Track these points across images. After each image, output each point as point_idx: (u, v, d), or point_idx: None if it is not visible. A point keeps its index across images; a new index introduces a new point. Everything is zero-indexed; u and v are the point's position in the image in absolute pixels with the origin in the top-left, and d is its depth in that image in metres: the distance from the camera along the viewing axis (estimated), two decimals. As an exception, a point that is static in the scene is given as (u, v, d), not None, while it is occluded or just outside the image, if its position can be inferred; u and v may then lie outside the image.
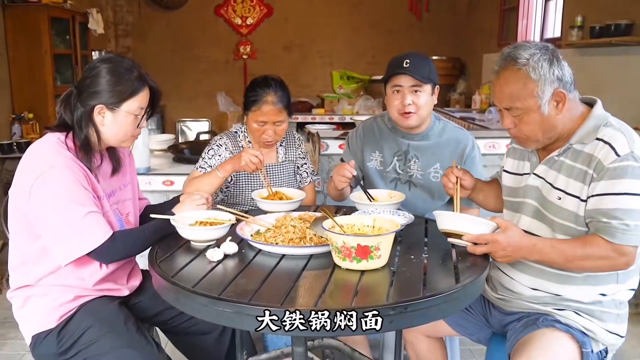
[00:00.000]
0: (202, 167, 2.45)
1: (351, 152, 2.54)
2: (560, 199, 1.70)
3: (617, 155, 1.58)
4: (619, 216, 1.57)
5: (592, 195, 1.62)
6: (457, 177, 1.96)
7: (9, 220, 1.83)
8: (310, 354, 2.02)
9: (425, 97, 2.27)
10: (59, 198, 1.69)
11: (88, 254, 1.72)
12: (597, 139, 1.64)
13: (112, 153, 1.95)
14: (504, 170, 1.96)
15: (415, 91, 2.25)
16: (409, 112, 2.27)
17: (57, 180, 1.70)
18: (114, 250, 1.76)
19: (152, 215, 1.87)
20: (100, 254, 1.74)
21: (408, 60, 2.24)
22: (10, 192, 1.80)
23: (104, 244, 1.72)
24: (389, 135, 2.44)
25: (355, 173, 2.17)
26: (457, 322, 2.00)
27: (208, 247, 1.75)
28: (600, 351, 1.75)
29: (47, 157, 1.73)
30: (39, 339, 1.81)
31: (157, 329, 2.17)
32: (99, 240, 1.71)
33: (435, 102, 2.34)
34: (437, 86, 2.33)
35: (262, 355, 2.03)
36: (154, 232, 1.84)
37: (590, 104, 1.74)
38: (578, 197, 1.65)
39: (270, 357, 2.02)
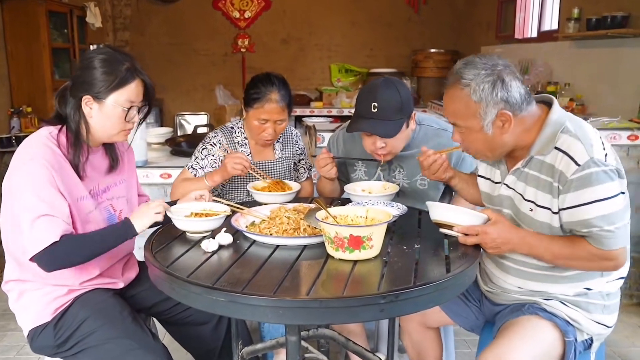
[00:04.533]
0: (193, 168, 2.44)
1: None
2: (532, 210, 1.70)
3: (577, 164, 1.57)
4: (597, 224, 1.57)
5: (563, 209, 1.62)
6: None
7: (1, 212, 1.83)
8: (305, 344, 2.05)
9: (398, 136, 2.16)
10: (26, 191, 1.67)
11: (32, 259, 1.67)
12: (556, 147, 1.63)
13: (111, 149, 1.95)
14: (479, 175, 1.95)
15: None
16: (381, 154, 2.20)
17: (31, 173, 1.68)
18: (54, 258, 1.67)
19: (168, 213, 1.84)
20: (40, 261, 1.67)
21: (376, 104, 2.10)
22: (2, 185, 1.79)
23: (44, 249, 1.64)
24: None
25: (330, 155, 2.19)
26: (454, 309, 2.02)
27: (203, 238, 1.77)
28: (584, 340, 1.77)
29: (30, 151, 1.72)
30: (36, 332, 1.83)
31: (155, 319, 2.20)
32: (44, 243, 1.64)
33: (414, 127, 2.24)
34: (414, 112, 2.21)
35: (257, 345, 2.05)
36: (106, 237, 1.76)
37: (549, 103, 1.71)
38: (549, 209, 1.66)
39: (266, 347, 2.04)
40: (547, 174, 1.65)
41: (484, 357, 1.66)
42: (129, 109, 1.80)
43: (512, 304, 1.85)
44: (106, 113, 1.78)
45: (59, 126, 1.81)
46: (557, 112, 1.68)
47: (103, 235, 1.76)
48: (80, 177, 1.81)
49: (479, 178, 1.95)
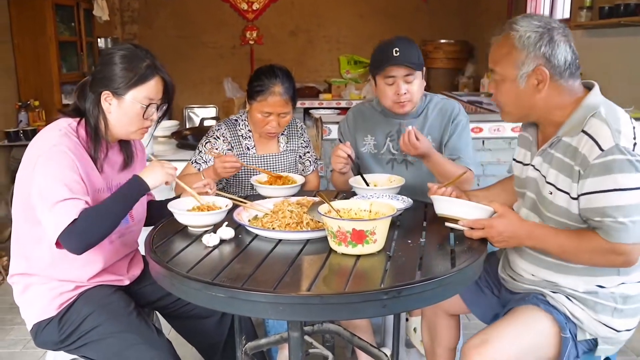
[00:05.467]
0: (197, 162, 2.42)
1: (344, 140, 2.52)
2: (551, 193, 1.66)
3: (601, 149, 1.52)
4: (611, 214, 1.51)
5: (582, 194, 1.57)
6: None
7: (14, 204, 1.82)
8: (309, 339, 2.02)
9: (417, 83, 2.29)
10: (47, 177, 1.66)
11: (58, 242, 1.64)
12: (583, 131, 1.58)
13: (126, 147, 1.95)
14: (515, 160, 1.92)
15: (409, 81, 2.26)
16: (404, 101, 2.28)
17: (55, 158, 1.68)
18: (77, 235, 1.62)
19: (169, 207, 1.83)
20: (65, 242, 1.64)
21: (397, 49, 2.22)
22: (17, 175, 1.79)
23: (65, 229, 1.61)
24: (379, 117, 2.45)
25: (350, 152, 2.17)
26: (471, 298, 1.98)
27: (205, 232, 1.75)
28: (587, 340, 1.70)
29: (52, 139, 1.72)
30: (40, 327, 1.82)
31: (158, 315, 2.18)
32: (65, 224, 1.62)
33: (425, 83, 2.36)
34: (424, 68, 2.34)
35: (261, 340, 2.02)
36: (121, 198, 1.72)
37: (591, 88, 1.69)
38: (568, 194, 1.61)
39: (270, 342, 2.01)
40: (570, 158, 1.61)
41: (471, 340, 1.63)
42: (148, 106, 1.79)
43: (521, 293, 1.81)
44: (124, 109, 1.77)
45: (77, 119, 1.81)
46: (595, 96, 1.64)
47: (118, 197, 1.72)
48: (98, 170, 1.81)
49: (514, 164, 1.92)
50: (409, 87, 2.26)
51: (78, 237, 1.62)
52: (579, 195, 1.58)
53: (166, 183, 1.81)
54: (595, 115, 1.59)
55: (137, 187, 1.74)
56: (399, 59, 2.21)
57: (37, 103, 4.84)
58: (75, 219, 1.62)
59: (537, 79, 1.61)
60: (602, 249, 1.55)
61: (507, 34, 1.64)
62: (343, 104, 6.86)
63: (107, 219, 1.68)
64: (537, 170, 1.73)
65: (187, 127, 5.53)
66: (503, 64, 1.66)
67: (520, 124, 1.82)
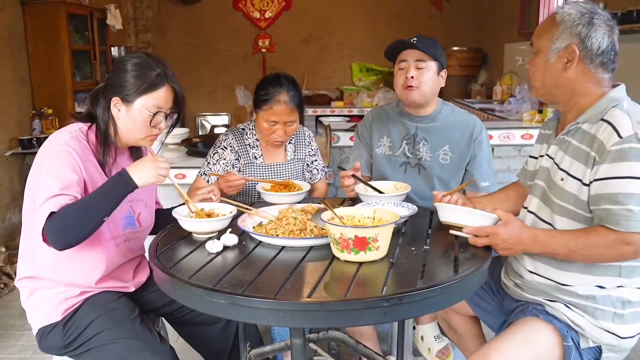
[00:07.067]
0: (205, 174, 2.43)
1: (361, 141, 2.53)
2: (562, 180, 1.66)
3: (620, 137, 1.53)
4: (622, 201, 1.50)
5: (595, 180, 1.56)
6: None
7: (23, 207, 1.84)
8: (314, 346, 2.02)
9: (429, 74, 2.29)
10: (49, 176, 1.67)
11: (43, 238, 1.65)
12: (602, 119, 1.59)
13: (136, 153, 1.97)
14: (530, 156, 1.94)
15: (420, 67, 2.28)
16: (412, 86, 2.27)
17: (58, 158, 1.70)
18: (55, 228, 1.61)
19: (173, 213, 1.83)
20: (47, 236, 1.63)
21: (415, 39, 2.29)
22: (27, 180, 1.81)
23: (46, 223, 1.61)
24: (397, 119, 2.45)
25: (351, 174, 2.15)
26: (477, 302, 1.98)
27: (209, 238, 1.75)
28: (591, 348, 1.67)
29: (60, 140, 1.75)
30: (45, 332, 1.84)
31: (164, 321, 2.19)
32: (44, 219, 1.61)
33: (443, 84, 2.35)
34: (445, 69, 2.34)
35: (266, 347, 2.02)
36: (104, 193, 1.68)
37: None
38: (580, 180, 1.61)
39: (274, 349, 2.01)
40: (587, 145, 1.61)
41: (472, 358, 1.63)
42: (155, 114, 1.80)
43: (522, 303, 1.79)
44: (132, 116, 1.79)
45: (89, 124, 1.84)
46: (620, 92, 1.66)
47: (101, 193, 1.68)
48: (106, 176, 1.83)
49: (529, 160, 1.94)
50: (418, 74, 2.27)
51: (57, 231, 1.62)
52: (591, 182, 1.58)
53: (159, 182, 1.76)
54: (617, 106, 1.60)
55: (123, 183, 1.69)
56: (414, 45, 2.26)
57: (50, 111, 4.88)
58: (53, 212, 1.61)
59: (567, 57, 1.63)
60: (612, 240, 1.53)
61: (554, 12, 1.68)
62: (355, 111, 6.85)
63: (87, 215, 1.64)
64: (551, 158, 1.74)
65: (201, 134, 5.56)
66: (540, 37, 1.69)
67: (529, 131, 1.82)
